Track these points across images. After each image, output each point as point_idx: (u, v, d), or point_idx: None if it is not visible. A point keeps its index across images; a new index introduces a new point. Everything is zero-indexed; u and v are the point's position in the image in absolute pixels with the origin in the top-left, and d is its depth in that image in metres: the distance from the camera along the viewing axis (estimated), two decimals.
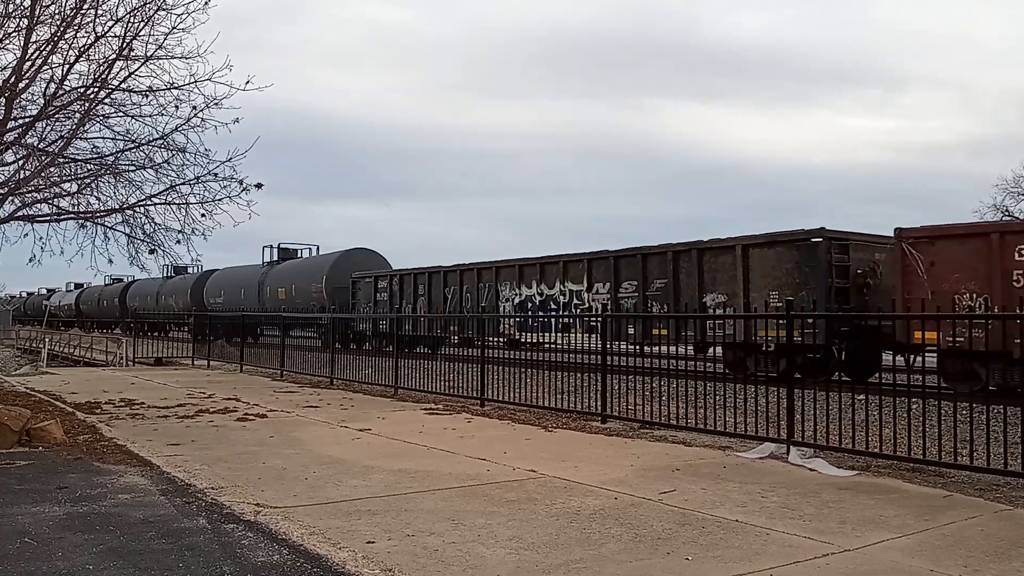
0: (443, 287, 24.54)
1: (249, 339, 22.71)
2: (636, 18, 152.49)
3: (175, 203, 10.64)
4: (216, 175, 10.40)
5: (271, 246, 37.59)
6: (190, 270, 44.48)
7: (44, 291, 72.06)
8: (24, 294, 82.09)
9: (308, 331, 23.61)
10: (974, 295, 12.62)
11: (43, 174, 10.14)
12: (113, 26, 9.77)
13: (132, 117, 10.40)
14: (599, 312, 17.49)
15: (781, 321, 9.53)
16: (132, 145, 10.50)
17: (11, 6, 9.74)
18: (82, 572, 4.22)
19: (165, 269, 43.67)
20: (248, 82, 9.93)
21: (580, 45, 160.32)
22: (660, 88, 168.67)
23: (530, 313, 20.72)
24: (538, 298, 21.04)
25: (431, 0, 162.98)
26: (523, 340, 17.98)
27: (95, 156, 10.62)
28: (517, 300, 21.68)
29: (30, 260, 11.18)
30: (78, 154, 10.58)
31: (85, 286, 58.69)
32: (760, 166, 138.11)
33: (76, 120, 10.18)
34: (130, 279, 49.01)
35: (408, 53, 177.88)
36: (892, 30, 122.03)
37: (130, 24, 9.77)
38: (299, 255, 37.00)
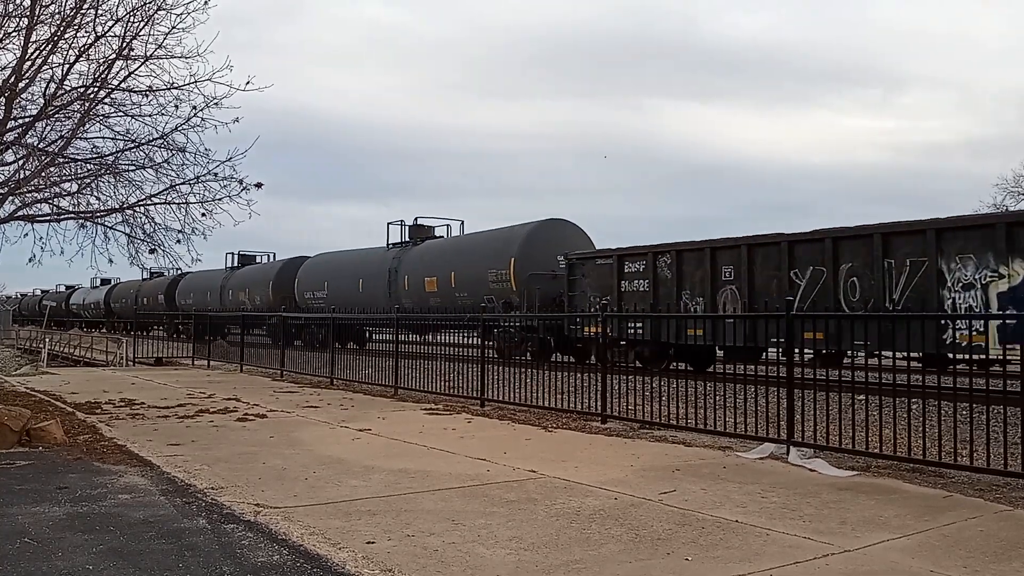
0: (783, 267, 14.94)
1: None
2: (636, 18, 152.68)
3: (175, 203, 10.69)
4: (216, 175, 10.45)
5: (401, 223, 28.08)
6: (260, 259, 38.42)
7: (63, 288, 66.66)
8: (38, 291, 76.51)
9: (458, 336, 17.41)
10: None
11: (43, 174, 10.15)
12: (113, 26, 9.83)
13: (132, 117, 10.45)
14: None
15: None
16: (132, 145, 10.53)
17: (11, 6, 9.78)
18: (82, 572, 4.22)
19: (228, 258, 38.70)
20: (248, 82, 9.98)
21: (580, 45, 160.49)
22: (660, 88, 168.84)
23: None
24: None
25: (431, 0, 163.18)
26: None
27: (95, 156, 10.65)
28: (1004, 286, 12.29)
29: (30, 260, 11.22)
30: (78, 154, 10.62)
31: (113, 282, 51.32)
32: (760, 166, 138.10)
33: (76, 120, 10.21)
34: (176, 272, 36.92)
35: (408, 53, 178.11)
36: (891, 30, 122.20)
37: (130, 24, 9.81)
38: (434, 233, 28.14)
